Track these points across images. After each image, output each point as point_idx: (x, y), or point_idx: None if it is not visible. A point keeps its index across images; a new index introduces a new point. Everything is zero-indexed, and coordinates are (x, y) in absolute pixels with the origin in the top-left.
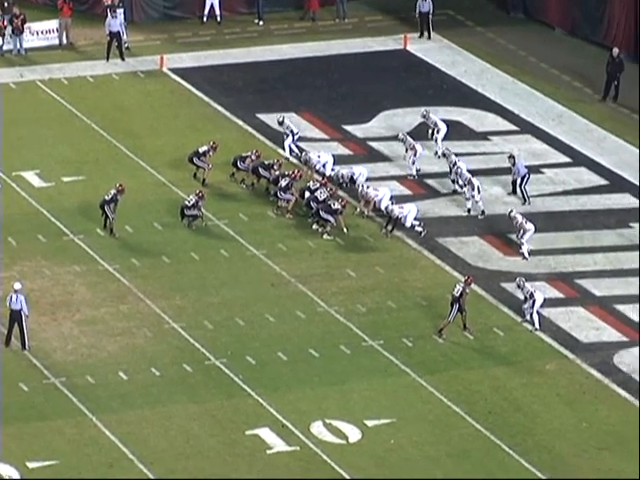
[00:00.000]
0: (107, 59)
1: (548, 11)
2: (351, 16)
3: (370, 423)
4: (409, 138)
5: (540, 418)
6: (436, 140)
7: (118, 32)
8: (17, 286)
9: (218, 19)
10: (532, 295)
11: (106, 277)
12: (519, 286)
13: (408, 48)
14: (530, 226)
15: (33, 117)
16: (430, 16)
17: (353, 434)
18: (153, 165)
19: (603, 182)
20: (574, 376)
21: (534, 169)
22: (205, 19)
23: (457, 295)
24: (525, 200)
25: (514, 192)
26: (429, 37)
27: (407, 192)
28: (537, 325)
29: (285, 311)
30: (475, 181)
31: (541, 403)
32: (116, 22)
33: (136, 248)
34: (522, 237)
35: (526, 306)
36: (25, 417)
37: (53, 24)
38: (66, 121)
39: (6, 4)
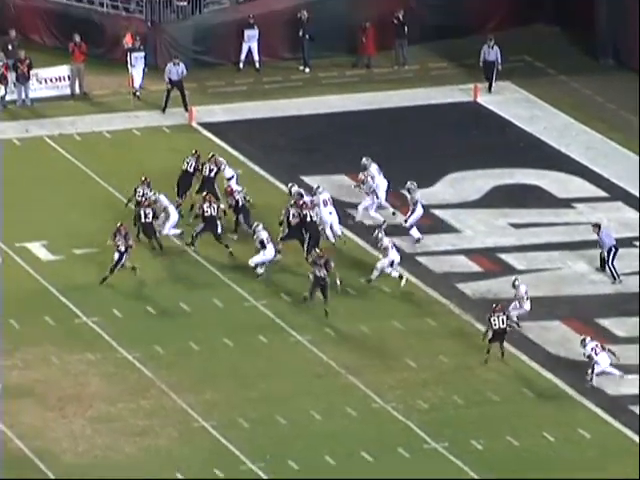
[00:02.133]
0: (163, 110)
1: None
2: (412, 62)
3: None
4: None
5: None
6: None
7: (180, 81)
8: None
9: (257, 65)
10: (591, 358)
11: (124, 367)
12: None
13: (479, 100)
14: (528, 307)
15: (40, 179)
16: (497, 67)
17: None
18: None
19: None
20: None
21: (626, 242)
22: (242, 65)
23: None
24: (615, 278)
25: (602, 268)
26: (489, 90)
27: (477, 269)
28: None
29: (333, 407)
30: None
31: None
32: (177, 70)
33: (160, 332)
34: (514, 309)
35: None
36: None
37: (64, 70)
38: (79, 184)
39: (10, 47)
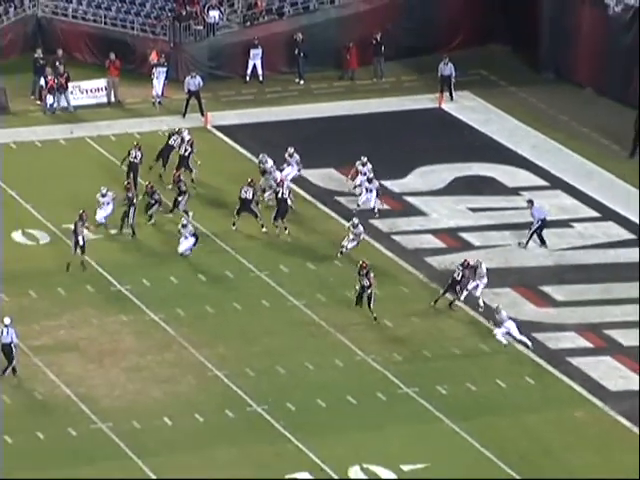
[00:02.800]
0: (184, 115)
1: (578, 71)
2: (388, 75)
3: (406, 467)
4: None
5: (570, 464)
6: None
7: (197, 91)
8: (7, 321)
9: (260, 78)
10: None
11: (151, 326)
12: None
13: (443, 106)
14: (485, 281)
15: (82, 173)
16: (452, 79)
17: (389, 478)
18: (195, 217)
19: (631, 236)
20: (602, 424)
21: (564, 223)
22: (248, 78)
23: (458, 279)
24: (542, 243)
25: (542, 242)
26: (451, 99)
27: (442, 245)
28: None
29: (324, 360)
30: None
31: (570, 449)
32: (195, 82)
33: (181, 298)
34: (474, 288)
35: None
36: (73, 461)
37: (101, 83)
38: (114, 176)
39: (57, 63)
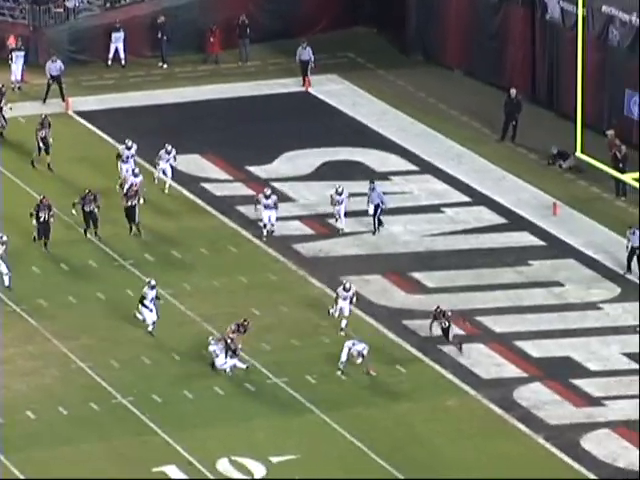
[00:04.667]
0: (44, 101)
1: (447, 53)
2: (254, 58)
3: (275, 460)
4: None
5: (443, 453)
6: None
7: (58, 76)
8: None
9: (123, 62)
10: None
11: (14, 318)
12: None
13: (310, 90)
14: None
15: None
16: (310, 64)
17: (258, 470)
18: (58, 205)
19: (502, 221)
20: (475, 411)
21: (435, 208)
22: (110, 62)
23: (446, 328)
24: (375, 230)
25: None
26: (304, 84)
27: (310, 231)
28: None
29: (191, 350)
30: None
31: (443, 438)
32: (56, 66)
33: (42, 289)
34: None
35: None
36: None
37: None
38: None
39: None
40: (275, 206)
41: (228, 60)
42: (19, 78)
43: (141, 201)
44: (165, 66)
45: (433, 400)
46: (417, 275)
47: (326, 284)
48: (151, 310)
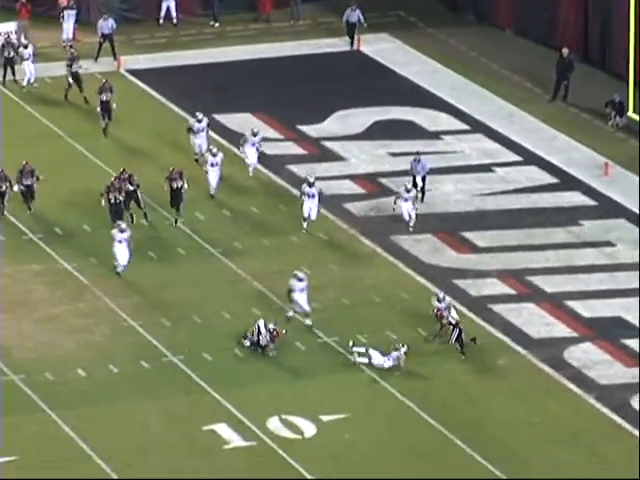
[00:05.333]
0: (96, 59)
1: (498, 13)
2: (305, 17)
3: (325, 418)
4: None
5: (493, 412)
6: None
7: (110, 34)
8: None
9: (174, 21)
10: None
11: (64, 276)
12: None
13: (361, 49)
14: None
15: None
16: (359, 26)
17: (308, 429)
18: (110, 165)
19: (553, 180)
20: (526, 371)
21: (486, 167)
22: (162, 21)
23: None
24: (420, 201)
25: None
26: (352, 46)
27: (361, 191)
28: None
29: (241, 309)
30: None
31: (493, 398)
32: (107, 24)
33: (95, 247)
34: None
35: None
36: None
37: (11, 26)
38: (24, 123)
39: None
40: (317, 196)
41: (279, 19)
42: (70, 37)
43: (185, 186)
44: (217, 25)
45: (484, 359)
46: (468, 234)
47: (377, 243)
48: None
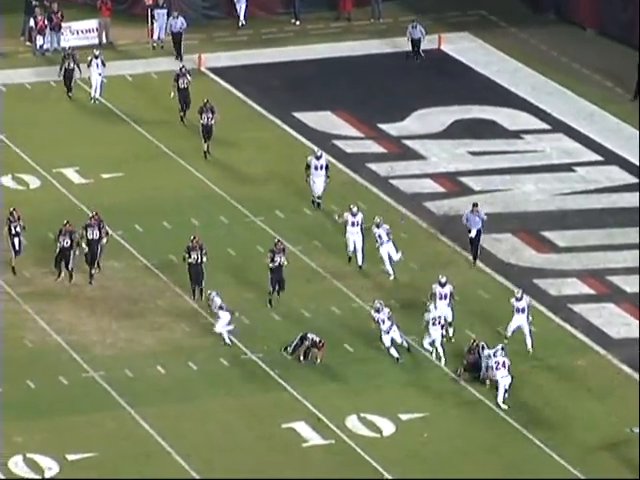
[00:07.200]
0: (179, 57)
1: (579, 12)
2: (386, 16)
3: (404, 417)
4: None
5: (571, 413)
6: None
7: (179, 32)
8: None
9: (243, 22)
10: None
11: (144, 273)
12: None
13: (442, 48)
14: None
15: (73, 115)
16: (423, 41)
17: (387, 428)
18: (191, 163)
19: (634, 180)
20: (605, 371)
21: (566, 167)
22: (240, 23)
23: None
24: (474, 261)
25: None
26: (416, 59)
27: (441, 189)
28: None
29: (320, 306)
30: None
31: (572, 398)
32: (176, 23)
33: (174, 244)
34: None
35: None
36: (64, 410)
37: (93, 24)
38: (105, 119)
39: (47, 3)
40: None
41: (360, 17)
42: (163, 37)
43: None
44: (298, 23)
45: (563, 359)
46: (548, 234)
47: (456, 242)
48: None
